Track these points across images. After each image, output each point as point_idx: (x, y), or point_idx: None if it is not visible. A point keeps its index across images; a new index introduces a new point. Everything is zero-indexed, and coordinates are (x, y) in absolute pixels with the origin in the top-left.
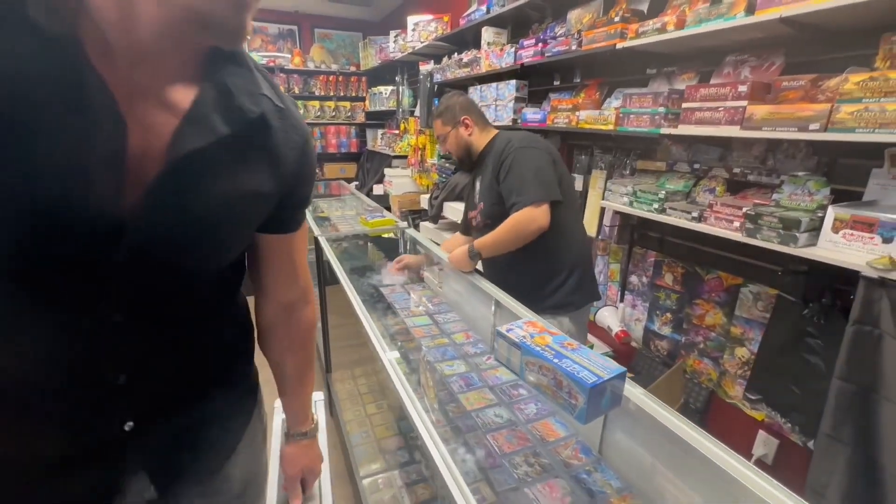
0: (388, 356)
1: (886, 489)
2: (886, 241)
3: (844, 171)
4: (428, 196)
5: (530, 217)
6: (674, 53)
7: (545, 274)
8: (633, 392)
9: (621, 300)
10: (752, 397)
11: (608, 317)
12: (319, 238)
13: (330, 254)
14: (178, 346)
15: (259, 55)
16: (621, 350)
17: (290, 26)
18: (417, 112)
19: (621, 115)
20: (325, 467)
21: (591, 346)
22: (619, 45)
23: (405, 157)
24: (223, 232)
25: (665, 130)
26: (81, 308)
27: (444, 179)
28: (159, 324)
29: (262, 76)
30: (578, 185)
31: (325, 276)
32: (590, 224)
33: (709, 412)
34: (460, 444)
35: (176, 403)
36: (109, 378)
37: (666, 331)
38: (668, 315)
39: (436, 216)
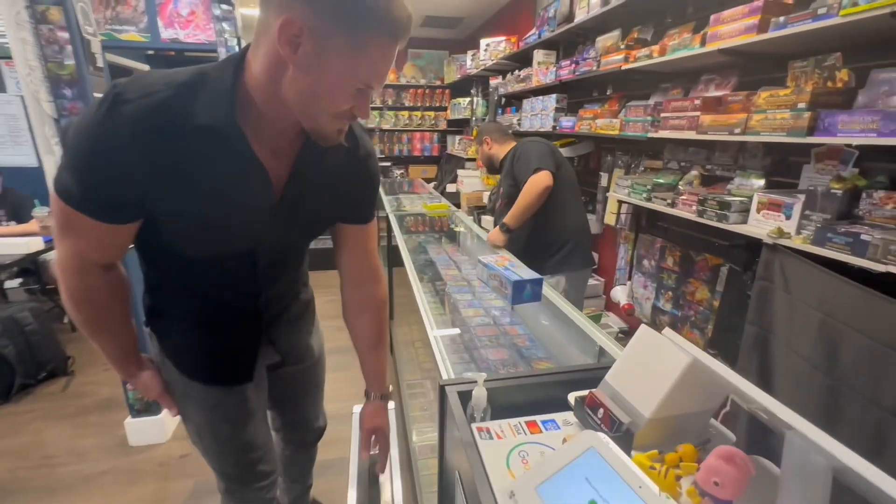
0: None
1: None
2: (787, 217)
3: (789, 167)
4: (489, 193)
5: (538, 180)
6: (667, 73)
7: (548, 242)
8: (554, 297)
9: (629, 278)
10: (711, 352)
11: (619, 292)
12: (389, 215)
13: (399, 237)
14: (286, 279)
15: None
16: (628, 321)
17: None
18: (488, 120)
19: (624, 122)
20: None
21: (601, 316)
22: (624, 67)
23: (475, 159)
24: (318, 233)
25: (651, 134)
26: (250, 266)
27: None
28: (278, 269)
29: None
30: (604, 181)
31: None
32: (610, 215)
33: None
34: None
35: (283, 307)
36: (257, 294)
37: (668, 307)
38: (670, 293)
39: (492, 209)
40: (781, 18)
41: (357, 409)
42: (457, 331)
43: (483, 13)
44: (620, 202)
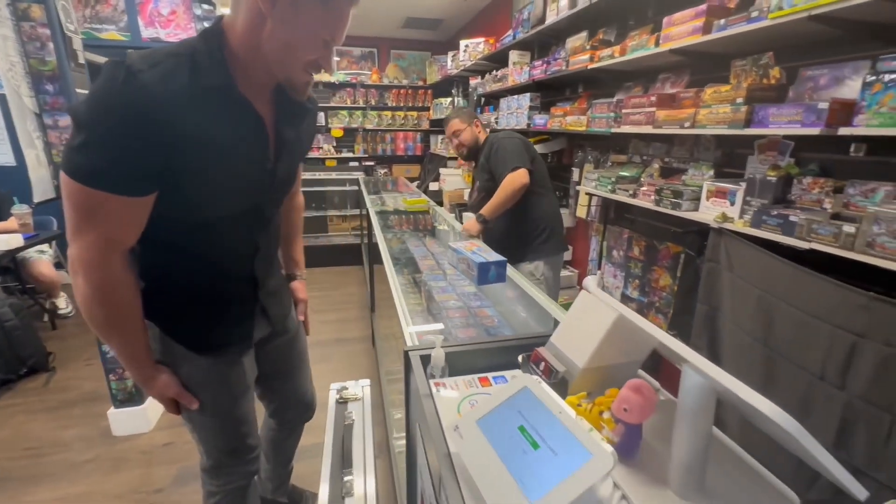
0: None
1: None
2: (732, 203)
3: (737, 158)
4: (468, 190)
5: (515, 178)
6: (629, 72)
7: (526, 231)
8: (517, 277)
9: (598, 268)
10: (672, 334)
11: (590, 282)
12: (370, 210)
13: (379, 236)
14: (274, 238)
15: (344, 73)
16: None
17: (371, 49)
18: None
19: (591, 119)
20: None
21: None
22: (589, 67)
23: (457, 158)
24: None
25: (614, 130)
26: (258, 221)
27: None
28: (272, 225)
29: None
30: (576, 176)
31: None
32: (581, 208)
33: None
34: (430, 318)
35: (269, 273)
36: (254, 254)
37: (635, 294)
38: (637, 281)
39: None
40: (722, 21)
41: (335, 385)
42: (434, 326)
43: (462, 15)
44: (590, 195)
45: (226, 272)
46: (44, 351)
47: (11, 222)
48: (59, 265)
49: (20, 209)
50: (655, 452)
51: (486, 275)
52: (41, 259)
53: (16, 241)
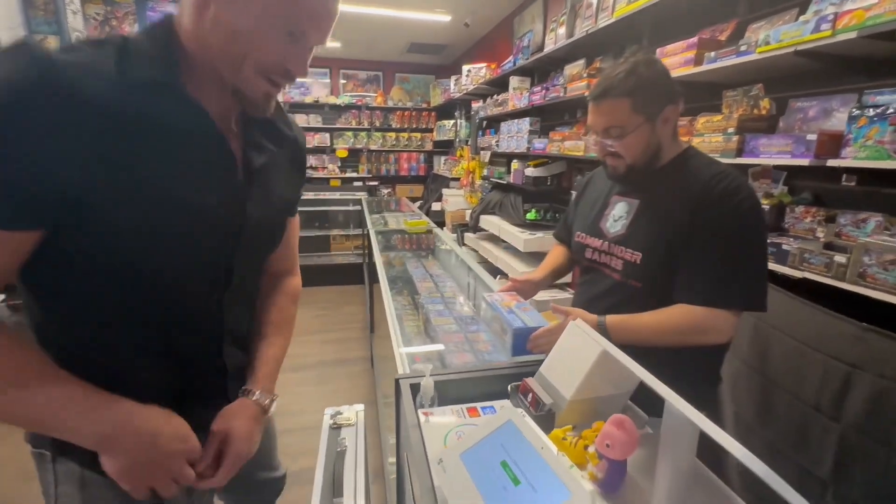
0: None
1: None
2: None
3: None
4: (469, 212)
5: (716, 326)
6: None
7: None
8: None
9: None
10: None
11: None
12: (370, 230)
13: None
14: (249, 311)
15: (350, 96)
16: None
17: (376, 72)
18: (470, 142)
19: (587, 144)
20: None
21: None
22: (586, 94)
23: (459, 178)
24: (284, 217)
25: None
26: (220, 280)
27: (482, 197)
28: (248, 287)
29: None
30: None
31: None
32: None
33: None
34: (428, 339)
35: (242, 357)
36: (221, 337)
37: None
38: None
39: (474, 227)
40: (713, 53)
41: (329, 410)
42: (429, 348)
43: (465, 41)
44: None
45: (182, 355)
46: None
47: None
48: None
49: None
50: (639, 488)
51: (521, 344)
52: None
53: None
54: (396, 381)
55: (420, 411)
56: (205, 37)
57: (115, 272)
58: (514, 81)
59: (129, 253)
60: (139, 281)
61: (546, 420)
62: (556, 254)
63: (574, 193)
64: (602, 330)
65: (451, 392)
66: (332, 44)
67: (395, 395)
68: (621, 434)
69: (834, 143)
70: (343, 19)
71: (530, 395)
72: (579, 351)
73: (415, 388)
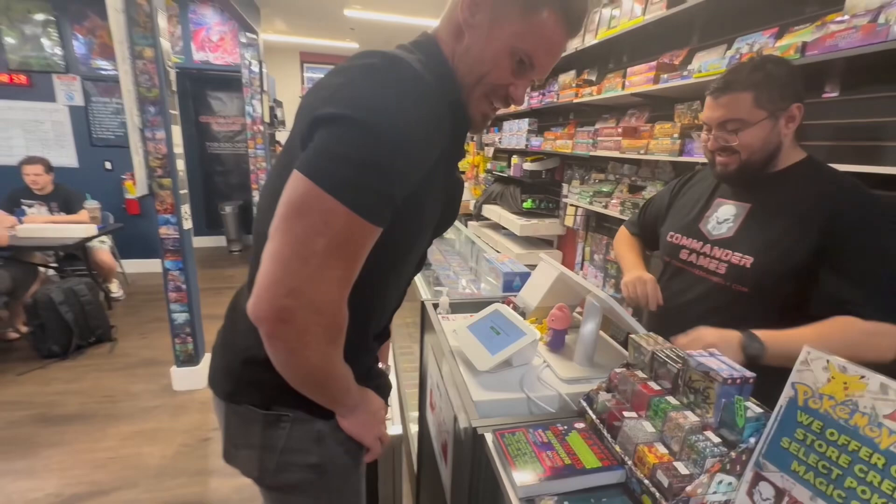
0: None
1: None
2: None
3: None
4: (474, 202)
5: (892, 343)
6: (606, 106)
7: None
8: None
9: (581, 268)
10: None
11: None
12: None
13: None
14: None
15: None
16: None
17: None
18: (475, 138)
19: (575, 143)
20: None
21: None
22: (575, 101)
23: (463, 172)
24: None
25: (591, 153)
26: (422, 257)
27: (485, 189)
28: None
29: None
30: (565, 191)
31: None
32: (568, 217)
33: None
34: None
35: None
36: (399, 302)
37: (611, 292)
38: (613, 280)
39: (477, 216)
40: (665, 76)
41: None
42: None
43: None
44: (574, 206)
45: (377, 324)
46: (108, 324)
47: (83, 215)
48: (114, 253)
49: (91, 204)
50: (570, 349)
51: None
52: (102, 248)
53: (91, 229)
54: (422, 302)
55: (439, 315)
56: (457, 60)
57: (389, 256)
58: None
59: (411, 238)
60: (396, 264)
61: None
62: (635, 244)
63: (657, 192)
64: (758, 349)
65: (462, 310)
66: (351, 44)
67: (421, 313)
68: (560, 314)
69: None
70: (364, 25)
71: (511, 304)
72: (544, 276)
73: (434, 307)
